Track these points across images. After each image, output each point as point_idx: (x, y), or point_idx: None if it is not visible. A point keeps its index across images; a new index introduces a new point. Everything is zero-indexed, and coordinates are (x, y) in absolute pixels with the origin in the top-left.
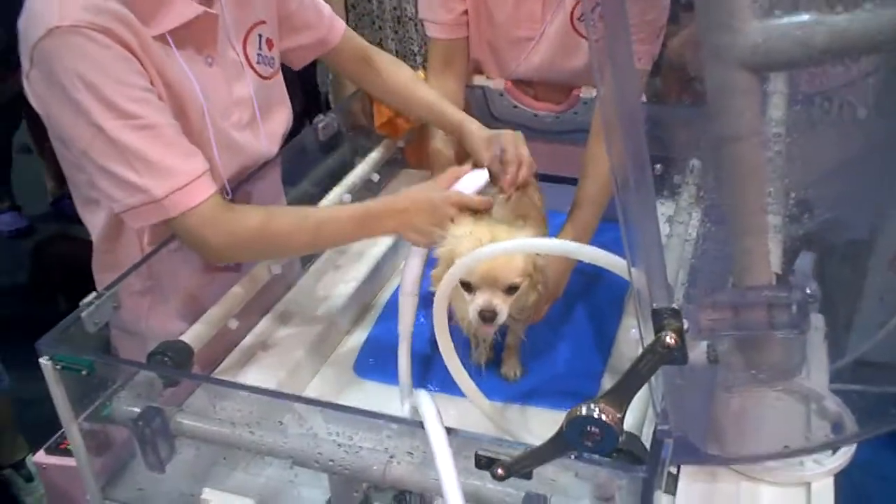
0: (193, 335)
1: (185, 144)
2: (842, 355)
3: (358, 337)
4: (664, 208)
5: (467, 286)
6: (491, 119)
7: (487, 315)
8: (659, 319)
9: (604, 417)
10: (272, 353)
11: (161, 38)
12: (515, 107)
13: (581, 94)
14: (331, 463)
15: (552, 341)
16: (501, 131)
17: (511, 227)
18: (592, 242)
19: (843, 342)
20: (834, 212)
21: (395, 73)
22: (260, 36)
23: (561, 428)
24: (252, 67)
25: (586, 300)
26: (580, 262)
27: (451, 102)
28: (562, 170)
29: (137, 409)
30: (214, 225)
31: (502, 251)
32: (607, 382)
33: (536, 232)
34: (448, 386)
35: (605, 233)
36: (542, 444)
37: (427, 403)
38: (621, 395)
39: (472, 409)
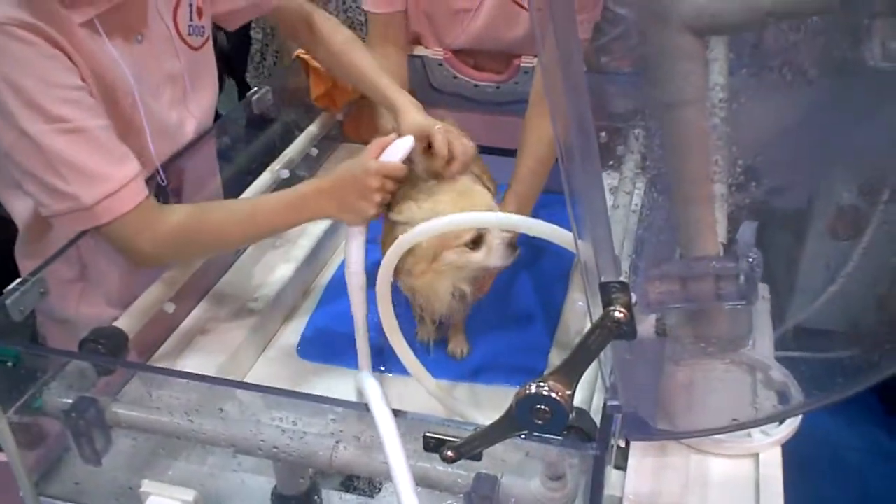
0: (128, 321)
1: (116, 147)
2: (785, 323)
3: (300, 318)
4: (609, 179)
5: (476, 240)
6: (431, 90)
7: (513, 241)
8: (607, 293)
9: (553, 395)
10: (211, 337)
11: (88, 24)
12: (455, 77)
13: (522, 64)
14: (275, 450)
15: (498, 317)
16: (434, 123)
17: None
18: (535, 214)
19: (786, 310)
20: (775, 179)
21: (334, 37)
22: (191, 5)
23: (510, 407)
24: (183, 39)
25: (531, 274)
26: (524, 235)
27: (389, 75)
28: (504, 142)
29: (70, 401)
30: (146, 230)
31: (446, 225)
32: (555, 357)
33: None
34: (394, 365)
35: (549, 206)
36: (492, 425)
37: (371, 385)
38: (570, 372)
39: (420, 389)
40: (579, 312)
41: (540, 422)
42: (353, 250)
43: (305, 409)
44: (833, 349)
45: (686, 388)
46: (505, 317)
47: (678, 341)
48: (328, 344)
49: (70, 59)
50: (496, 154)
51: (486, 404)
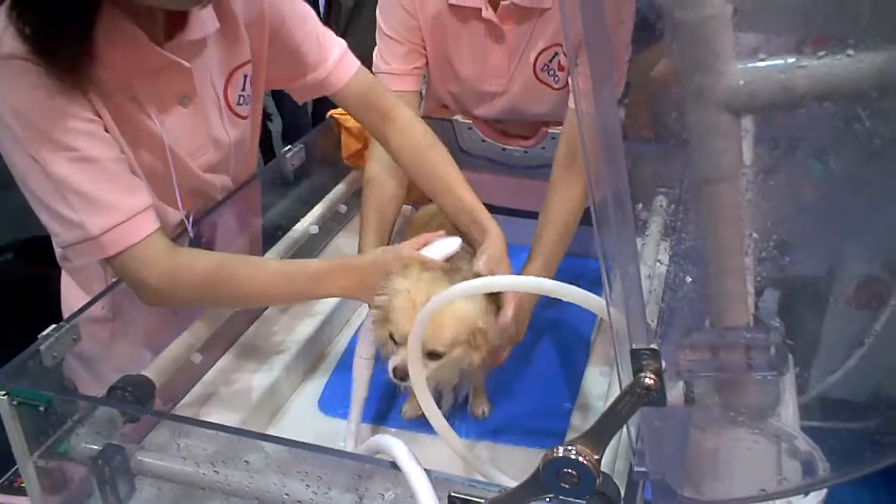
0: (156, 369)
1: (126, 179)
2: (805, 390)
3: (323, 373)
4: None
5: (392, 337)
6: (459, 152)
7: (399, 374)
8: (638, 360)
9: (581, 459)
10: (235, 388)
11: (123, 82)
12: (483, 141)
13: (550, 131)
14: None
15: (520, 379)
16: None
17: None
18: (558, 277)
19: (807, 380)
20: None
21: (412, 133)
22: (245, 76)
23: (537, 469)
24: (231, 109)
25: (553, 338)
26: (544, 299)
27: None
28: (529, 204)
29: (96, 447)
30: (154, 265)
31: (473, 290)
32: (577, 419)
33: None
34: (407, 424)
35: (568, 270)
36: (518, 486)
37: (397, 445)
38: (599, 437)
39: (436, 448)
40: (600, 377)
41: (567, 486)
42: (366, 337)
43: (330, 465)
44: (857, 419)
45: (712, 456)
46: (527, 379)
47: (705, 409)
48: (348, 401)
49: (85, 96)
50: (522, 216)
51: (506, 465)
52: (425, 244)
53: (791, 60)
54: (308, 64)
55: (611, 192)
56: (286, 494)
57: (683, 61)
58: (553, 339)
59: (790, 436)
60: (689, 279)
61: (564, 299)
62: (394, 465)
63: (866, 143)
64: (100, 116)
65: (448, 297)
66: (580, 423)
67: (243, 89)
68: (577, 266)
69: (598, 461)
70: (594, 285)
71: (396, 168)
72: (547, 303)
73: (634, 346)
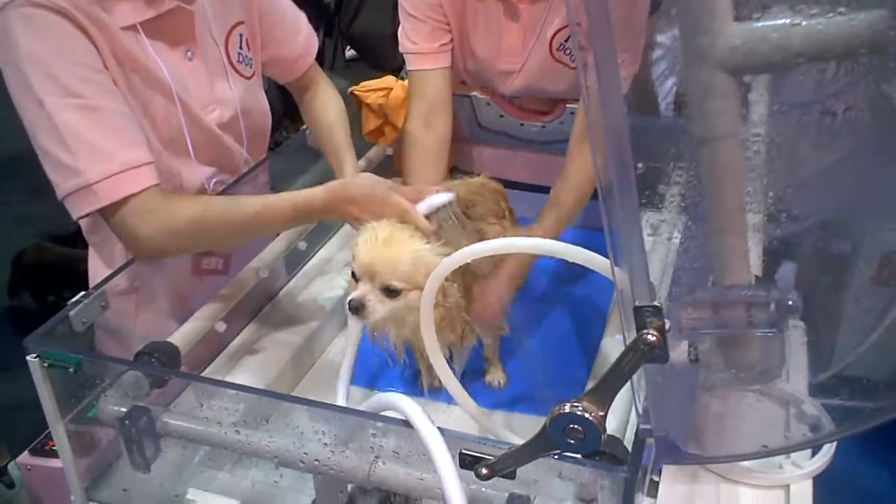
0: (180, 337)
1: (129, 132)
2: (823, 367)
3: (344, 342)
4: (651, 217)
5: (353, 275)
6: (478, 127)
7: (354, 305)
8: (641, 317)
9: (587, 415)
10: (259, 357)
11: (131, 27)
12: (502, 116)
13: (568, 106)
14: (316, 463)
15: (536, 349)
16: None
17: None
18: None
19: (824, 354)
20: (815, 218)
21: (327, 108)
22: (241, 35)
23: (544, 426)
24: (233, 66)
25: (570, 310)
26: (564, 269)
27: (352, 156)
28: (547, 179)
29: (124, 409)
30: (146, 215)
31: (487, 251)
32: None
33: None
34: (423, 393)
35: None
36: (526, 443)
37: (409, 403)
38: (604, 393)
39: (450, 415)
40: (617, 348)
41: (573, 441)
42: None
43: (346, 424)
44: (875, 398)
45: (717, 415)
46: (543, 350)
47: (710, 368)
48: (372, 369)
49: (96, 47)
50: (539, 191)
51: (521, 433)
52: (418, 198)
53: (786, 20)
54: (285, 41)
55: (612, 152)
56: (304, 453)
57: (682, 22)
58: (570, 311)
59: (798, 400)
60: (694, 239)
61: (570, 260)
62: (406, 424)
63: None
64: (107, 68)
65: (463, 256)
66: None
67: (241, 48)
68: (593, 239)
69: (604, 417)
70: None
71: (434, 124)
72: (564, 275)
73: (637, 304)
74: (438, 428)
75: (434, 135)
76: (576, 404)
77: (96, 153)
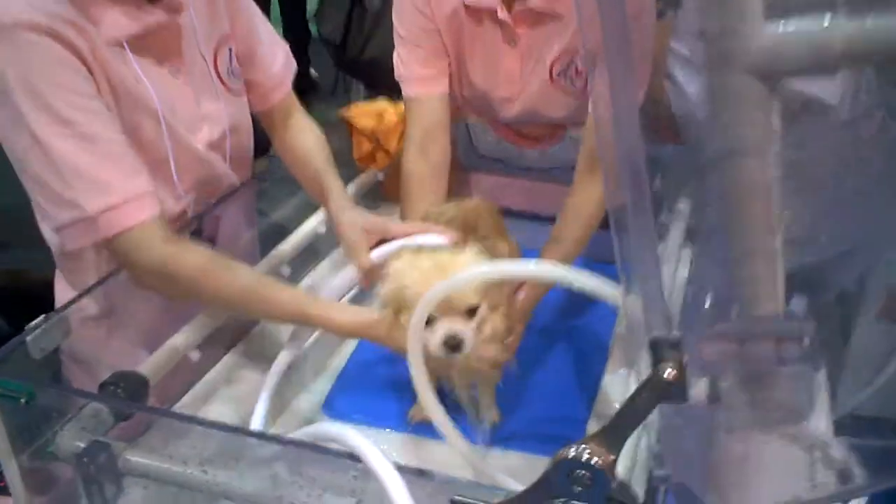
0: (150, 366)
1: (128, 161)
2: (835, 406)
3: (329, 375)
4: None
5: (427, 321)
6: (475, 156)
7: (453, 343)
8: (657, 350)
9: (594, 460)
10: (236, 389)
11: (116, 43)
12: (499, 142)
13: (568, 131)
14: None
15: (533, 385)
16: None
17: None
18: None
19: (836, 394)
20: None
21: (304, 137)
22: (230, 50)
23: (547, 471)
24: (222, 81)
25: (569, 344)
26: (561, 299)
27: (338, 185)
28: (545, 208)
29: (82, 444)
30: (148, 251)
31: (480, 276)
32: (593, 427)
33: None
34: (413, 428)
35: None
36: (525, 490)
37: (357, 437)
38: (614, 436)
39: (443, 454)
40: (620, 384)
41: (579, 489)
42: None
43: (325, 465)
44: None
45: (741, 462)
46: (541, 386)
47: (732, 409)
48: (356, 401)
49: (90, 70)
50: (537, 220)
51: (517, 474)
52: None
53: (825, 20)
54: (262, 65)
55: (627, 168)
56: (278, 496)
57: (707, 23)
58: (569, 346)
59: (824, 444)
60: (712, 267)
61: (576, 287)
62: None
63: None
64: (100, 92)
65: (464, 279)
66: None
67: (230, 62)
68: (597, 271)
69: (614, 462)
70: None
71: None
72: (563, 308)
73: (654, 335)
74: (419, 470)
75: (430, 163)
76: (582, 447)
77: (95, 185)
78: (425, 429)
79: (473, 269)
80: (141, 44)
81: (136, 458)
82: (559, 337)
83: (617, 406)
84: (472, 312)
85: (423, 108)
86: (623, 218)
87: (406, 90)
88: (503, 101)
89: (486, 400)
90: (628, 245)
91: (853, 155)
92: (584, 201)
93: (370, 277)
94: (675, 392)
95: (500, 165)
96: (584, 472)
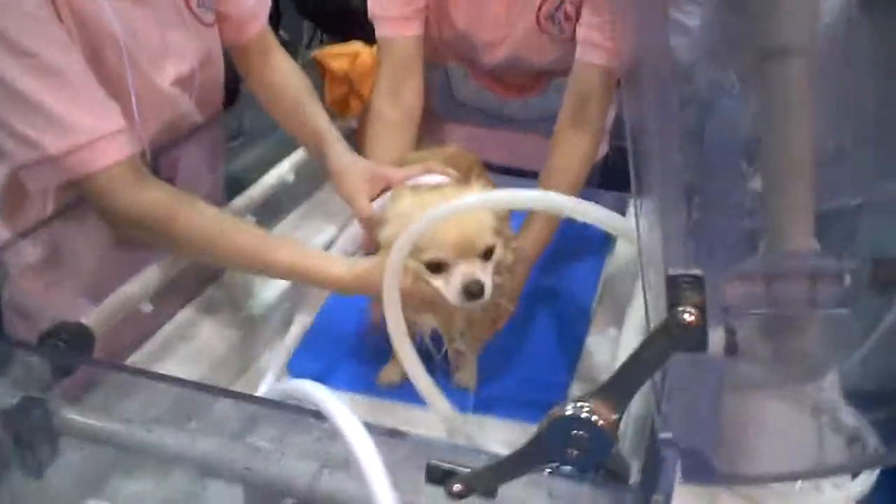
0: (96, 317)
1: (96, 95)
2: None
3: (296, 332)
4: None
5: (436, 266)
6: (453, 104)
7: (476, 288)
8: (675, 289)
9: (595, 419)
10: (193, 345)
11: None
12: (480, 90)
13: (553, 80)
14: (246, 471)
15: (512, 349)
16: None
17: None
18: (559, 240)
19: None
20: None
21: (289, 77)
22: None
23: (539, 432)
24: (192, 10)
25: (550, 306)
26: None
27: (335, 131)
28: (528, 163)
29: (14, 401)
30: (122, 194)
31: (479, 204)
32: (576, 392)
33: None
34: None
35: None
36: (512, 454)
37: (321, 391)
38: (618, 392)
39: (416, 422)
40: (606, 346)
41: (576, 452)
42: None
43: (285, 424)
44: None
45: (749, 425)
46: (520, 350)
47: (749, 363)
48: (323, 361)
49: None
50: (520, 176)
51: (496, 441)
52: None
53: None
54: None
55: (651, 76)
56: (232, 459)
57: None
58: (549, 309)
59: (833, 407)
60: (734, 193)
61: (581, 219)
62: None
63: None
64: (61, 18)
65: (460, 205)
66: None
67: None
68: (578, 229)
69: (617, 423)
70: (599, 251)
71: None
72: (542, 270)
73: (671, 272)
74: (393, 430)
75: (401, 108)
76: (580, 405)
77: (59, 124)
78: (395, 393)
79: (484, 193)
80: None
81: (73, 415)
82: (538, 300)
83: (602, 370)
84: (488, 255)
85: (396, 49)
86: (643, 137)
87: (379, 30)
88: (487, 46)
89: (465, 365)
90: (646, 167)
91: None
92: (568, 160)
93: (371, 227)
94: (694, 339)
95: (478, 115)
96: (582, 432)
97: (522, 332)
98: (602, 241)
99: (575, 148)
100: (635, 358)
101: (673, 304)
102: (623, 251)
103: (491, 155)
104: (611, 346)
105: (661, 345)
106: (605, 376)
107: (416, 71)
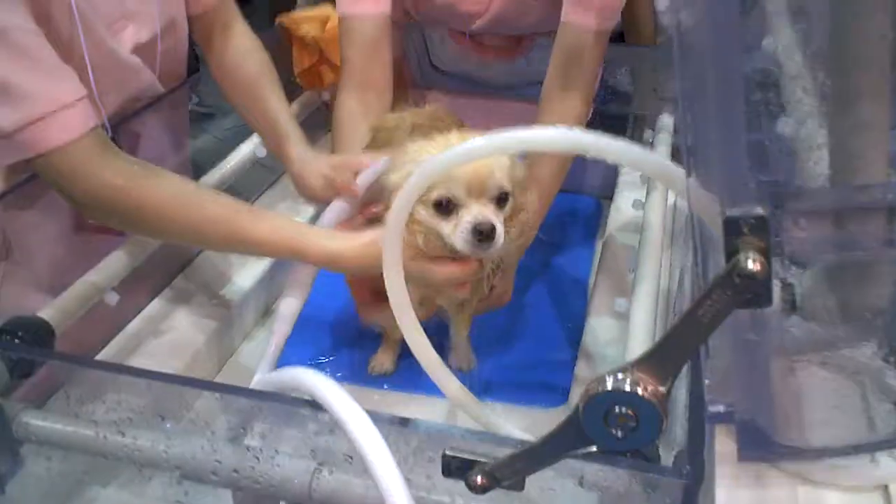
0: (56, 310)
1: (50, 61)
2: None
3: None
4: None
5: (444, 206)
6: (431, 69)
7: (487, 229)
8: (734, 232)
9: (641, 392)
10: (165, 340)
11: None
12: (459, 55)
13: (537, 39)
14: (234, 475)
15: (510, 330)
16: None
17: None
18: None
19: None
20: None
21: (247, 58)
22: None
23: (574, 412)
24: None
25: (545, 284)
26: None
27: (295, 127)
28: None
29: None
30: (87, 169)
31: (497, 148)
32: (583, 371)
33: None
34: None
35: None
36: (542, 439)
37: (318, 378)
38: (667, 360)
39: (417, 411)
40: (606, 319)
41: (619, 433)
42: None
43: (277, 418)
44: None
45: (820, 389)
46: (519, 330)
47: (812, 318)
48: (307, 350)
49: None
50: None
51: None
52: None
53: None
54: None
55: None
56: (216, 461)
57: None
58: (545, 287)
59: (877, 369)
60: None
61: (613, 160)
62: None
63: None
64: None
65: (474, 147)
66: (589, 374)
67: None
68: (568, 202)
69: (666, 395)
70: (588, 224)
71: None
72: (535, 249)
73: (730, 214)
74: (402, 419)
75: (369, 98)
76: (621, 376)
77: (7, 94)
78: (389, 381)
79: (503, 133)
80: None
81: (35, 420)
82: (532, 279)
83: (607, 346)
84: (502, 201)
85: (362, 29)
86: (691, 61)
87: (341, 7)
88: (470, 16)
89: (459, 345)
90: (699, 98)
91: None
92: (560, 119)
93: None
94: (758, 291)
95: (460, 82)
96: (626, 408)
97: (519, 311)
98: (593, 213)
99: (566, 110)
100: (688, 318)
101: (732, 251)
102: (616, 220)
103: (474, 123)
104: (614, 319)
105: (720, 300)
106: (611, 351)
107: (385, 50)
